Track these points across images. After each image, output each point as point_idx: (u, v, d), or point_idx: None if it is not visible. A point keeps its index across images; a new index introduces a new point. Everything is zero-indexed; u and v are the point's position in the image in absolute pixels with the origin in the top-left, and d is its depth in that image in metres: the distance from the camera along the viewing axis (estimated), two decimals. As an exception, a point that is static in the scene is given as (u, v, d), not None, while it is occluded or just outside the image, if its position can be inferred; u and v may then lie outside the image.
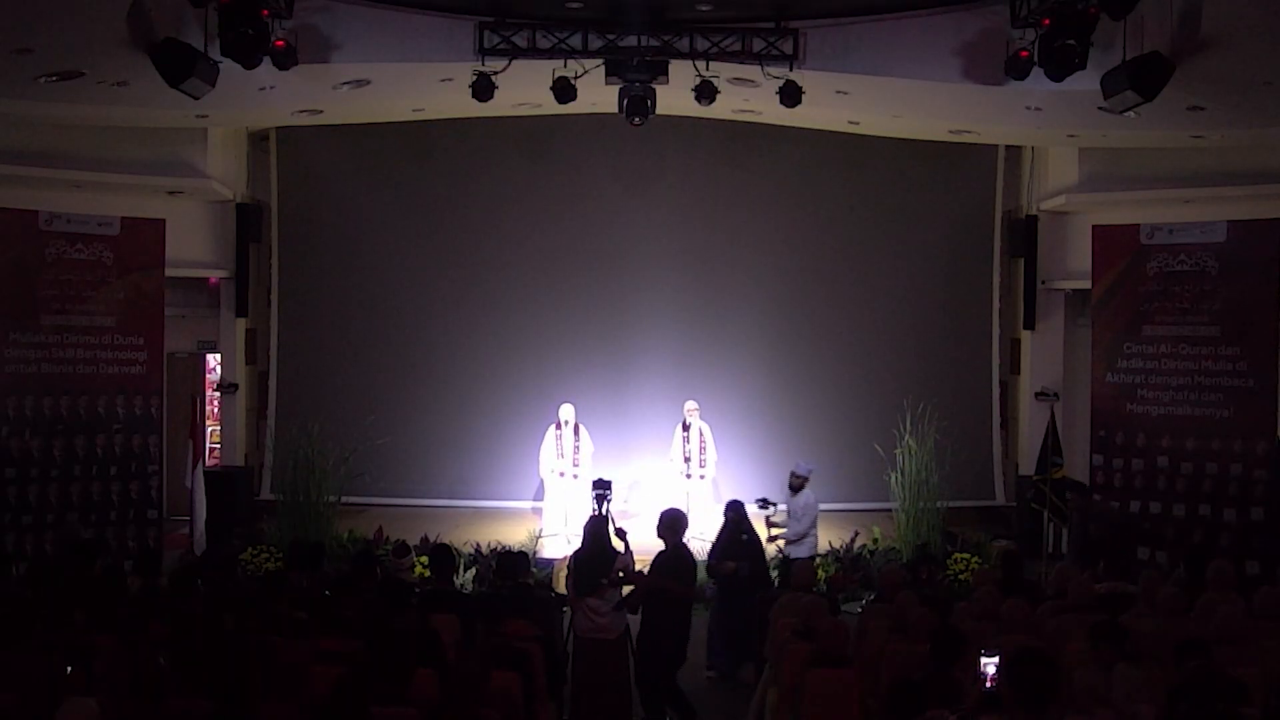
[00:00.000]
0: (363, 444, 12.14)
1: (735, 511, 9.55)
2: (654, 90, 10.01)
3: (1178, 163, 11.79)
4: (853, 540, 11.72)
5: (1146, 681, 5.23)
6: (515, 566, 8.19)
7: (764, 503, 10.38)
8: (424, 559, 10.37)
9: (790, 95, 9.68)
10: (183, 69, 8.08)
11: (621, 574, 7.67)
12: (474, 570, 11.02)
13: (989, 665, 4.81)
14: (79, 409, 10.83)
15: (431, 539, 11.19)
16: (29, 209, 10.75)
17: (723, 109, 11.12)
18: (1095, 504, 10.50)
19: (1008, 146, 13.66)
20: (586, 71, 9.85)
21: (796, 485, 10.36)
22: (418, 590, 7.94)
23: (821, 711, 6.19)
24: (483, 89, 9.67)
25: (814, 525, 10.41)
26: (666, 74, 9.87)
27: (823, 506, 13.43)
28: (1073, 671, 5.61)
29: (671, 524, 7.93)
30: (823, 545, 11.60)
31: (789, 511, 10.37)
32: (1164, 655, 5.57)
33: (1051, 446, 11.00)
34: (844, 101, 10.69)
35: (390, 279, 13.93)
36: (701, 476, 12.38)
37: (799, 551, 10.18)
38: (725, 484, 13.00)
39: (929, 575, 9.73)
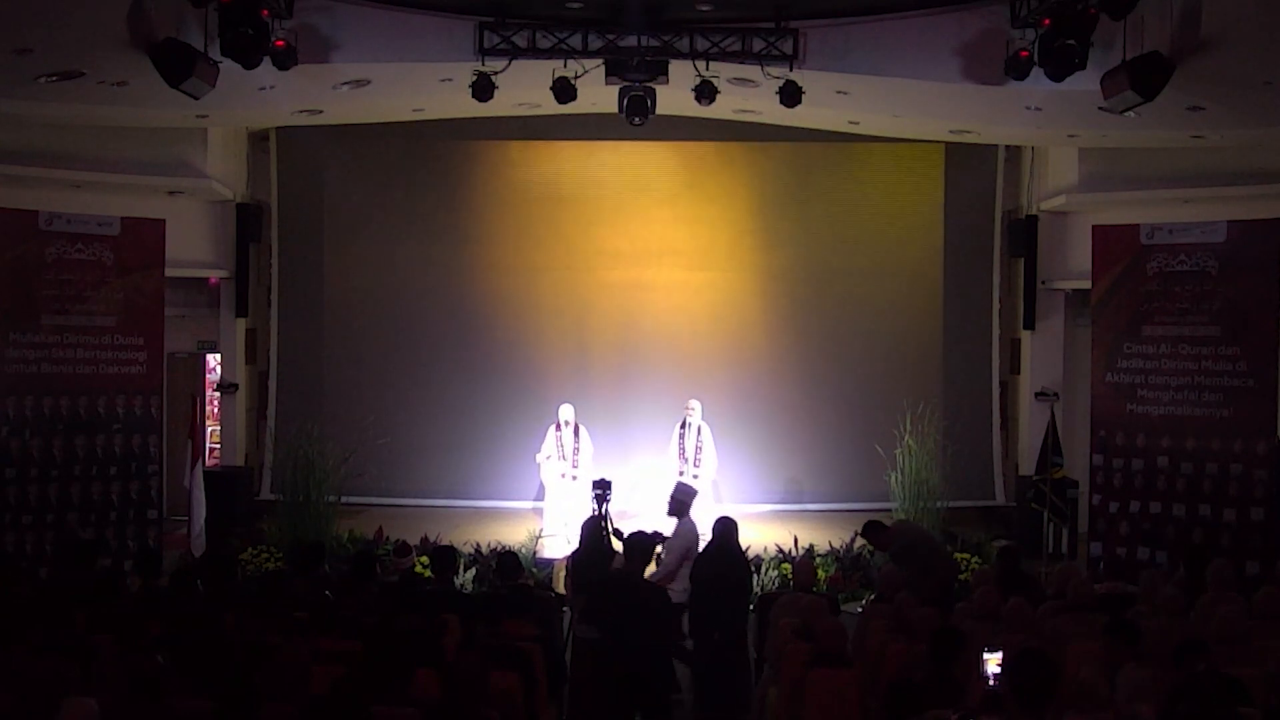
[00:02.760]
0: (363, 444, 12.15)
1: (721, 531, 7.92)
2: (654, 90, 10.02)
3: (1178, 163, 11.78)
4: (853, 540, 11.70)
5: (1148, 681, 5.22)
6: (513, 567, 8.19)
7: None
8: (424, 559, 10.38)
9: (790, 95, 9.67)
10: (183, 69, 8.07)
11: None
12: (474, 570, 11.02)
13: (993, 664, 4.80)
14: (79, 409, 10.80)
15: (431, 539, 11.19)
16: (29, 209, 10.73)
17: (723, 109, 11.11)
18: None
19: (1008, 146, 13.66)
20: (586, 71, 9.85)
21: (677, 510, 8.60)
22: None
23: (821, 711, 6.19)
24: (483, 89, 9.67)
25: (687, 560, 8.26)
26: (666, 74, 9.86)
27: (822, 506, 13.62)
28: (1074, 671, 5.61)
29: (629, 550, 7.09)
30: (822, 545, 11.60)
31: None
32: (1164, 655, 5.56)
33: (1051, 447, 11.02)
34: (844, 101, 10.68)
35: (390, 279, 13.93)
36: (695, 477, 12.23)
37: (675, 595, 7.73)
38: (726, 485, 13.01)
39: (929, 575, 9.69)
